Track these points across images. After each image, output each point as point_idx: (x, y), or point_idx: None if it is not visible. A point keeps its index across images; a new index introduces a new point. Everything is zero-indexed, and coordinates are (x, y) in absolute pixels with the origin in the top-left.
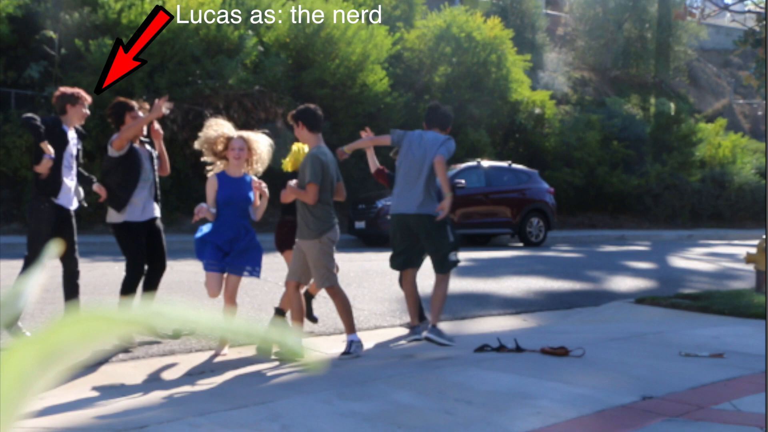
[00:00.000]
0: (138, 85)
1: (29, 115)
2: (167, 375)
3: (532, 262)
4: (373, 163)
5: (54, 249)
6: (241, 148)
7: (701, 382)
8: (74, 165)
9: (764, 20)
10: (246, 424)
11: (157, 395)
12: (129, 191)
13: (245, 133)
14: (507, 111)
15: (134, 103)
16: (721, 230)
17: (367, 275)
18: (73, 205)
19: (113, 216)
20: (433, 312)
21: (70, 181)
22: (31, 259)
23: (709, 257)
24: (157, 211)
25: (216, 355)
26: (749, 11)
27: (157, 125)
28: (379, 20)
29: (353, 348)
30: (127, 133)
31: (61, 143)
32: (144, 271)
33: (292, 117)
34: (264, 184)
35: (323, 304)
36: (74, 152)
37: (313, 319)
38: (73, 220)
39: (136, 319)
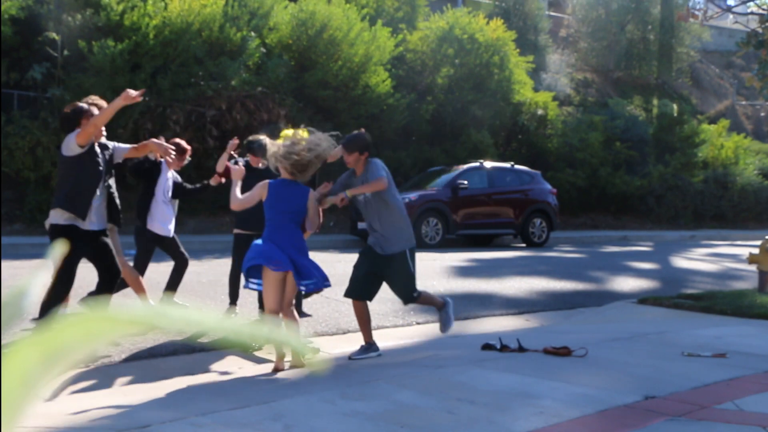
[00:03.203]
0: (141, 87)
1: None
2: (170, 374)
3: (535, 262)
4: None
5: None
6: None
7: (704, 381)
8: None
9: (767, 22)
10: (248, 424)
11: (159, 395)
12: (90, 195)
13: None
14: (510, 112)
15: (88, 106)
16: (723, 231)
17: None
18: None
19: (57, 217)
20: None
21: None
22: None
23: (711, 258)
24: (105, 223)
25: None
26: (752, 13)
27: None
28: (382, 22)
29: None
30: (97, 120)
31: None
32: (69, 289)
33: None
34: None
35: (326, 304)
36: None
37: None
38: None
39: (139, 320)
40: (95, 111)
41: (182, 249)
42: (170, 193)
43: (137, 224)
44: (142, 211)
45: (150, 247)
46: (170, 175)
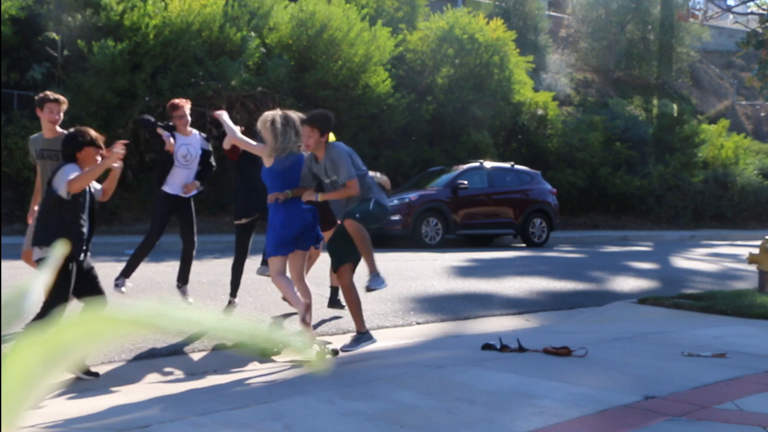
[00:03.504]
0: (141, 87)
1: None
2: (170, 375)
3: (535, 262)
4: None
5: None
6: None
7: (704, 381)
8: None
9: (767, 22)
10: (249, 424)
11: (159, 395)
12: (82, 233)
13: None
14: (510, 112)
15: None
16: (723, 231)
17: None
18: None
19: (41, 252)
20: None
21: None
22: None
23: (711, 258)
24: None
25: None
26: (752, 13)
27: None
28: (382, 22)
29: None
30: (88, 176)
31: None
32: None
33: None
34: None
35: (325, 304)
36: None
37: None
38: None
39: (140, 320)
40: (101, 146)
41: (195, 230)
42: (193, 157)
43: (156, 190)
44: (159, 176)
45: (167, 211)
46: (188, 140)
